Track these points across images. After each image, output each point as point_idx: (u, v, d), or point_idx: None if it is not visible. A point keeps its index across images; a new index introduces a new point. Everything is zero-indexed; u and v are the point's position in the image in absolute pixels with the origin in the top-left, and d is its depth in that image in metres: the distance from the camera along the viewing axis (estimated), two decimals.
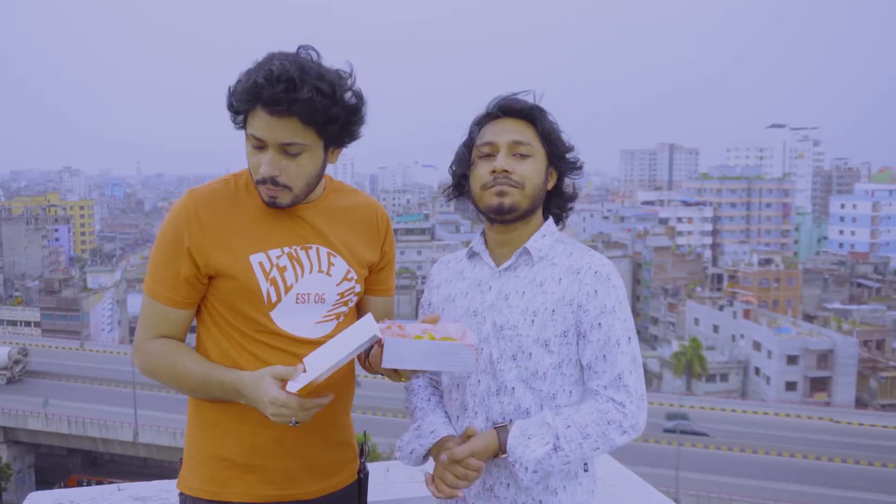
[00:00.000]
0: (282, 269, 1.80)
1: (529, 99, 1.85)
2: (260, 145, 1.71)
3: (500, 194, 1.76)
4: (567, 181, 1.90)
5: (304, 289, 1.82)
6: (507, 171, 1.76)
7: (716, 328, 57.93)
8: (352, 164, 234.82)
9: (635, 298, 74.43)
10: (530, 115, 1.81)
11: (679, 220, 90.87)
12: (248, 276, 1.77)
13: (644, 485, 2.79)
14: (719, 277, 72.73)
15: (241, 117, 1.74)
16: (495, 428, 1.71)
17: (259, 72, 1.65)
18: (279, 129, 1.67)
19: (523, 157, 1.78)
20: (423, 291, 2.02)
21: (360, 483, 1.96)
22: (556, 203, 1.90)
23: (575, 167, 1.87)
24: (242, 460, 1.79)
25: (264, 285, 1.78)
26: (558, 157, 1.83)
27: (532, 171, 1.78)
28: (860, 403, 49.72)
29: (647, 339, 69.66)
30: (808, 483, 35.75)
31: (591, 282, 1.73)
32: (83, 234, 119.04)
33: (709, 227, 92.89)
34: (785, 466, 37.85)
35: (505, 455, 1.69)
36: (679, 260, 73.20)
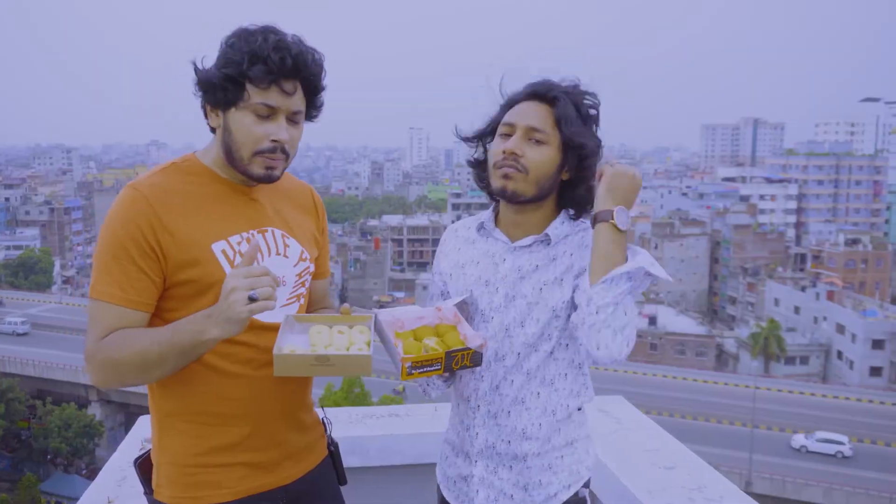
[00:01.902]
0: None
1: (573, 82, 1.82)
2: (270, 113, 1.68)
3: (505, 177, 1.78)
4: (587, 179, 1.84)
5: None
6: (515, 154, 1.76)
7: (797, 310, 56.09)
8: (427, 138, 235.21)
9: (713, 277, 72.65)
10: (552, 98, 1.78)
11: (762, 197, 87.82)
12: (214, 267, 1.68)
13: (659, 430, 2.94)
14: (802, 257, 70.25)
15: (228, 92, 1.67)
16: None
17: (267, 47, 1.64)
18: (291, 96, 1.69)
19: (538, 143, 1.77)
20: None
21: (333, 456, 1.98)
22: (568, 197, 1.87)
23: (582, 161, 1.80)
24: (221, 460, 1.74)
25: None
26: (569, 147, 1.78)
27: (541, 158, 1.77)
28: None
29: (725, 319, 68.05)
30: (890, 471, 34.57)
31: None
32: None
33: (793, 205, 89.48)
34: (866, 453, 36.66)
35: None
36: (760, 239, 70.93)
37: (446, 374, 1.82)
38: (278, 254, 1.80)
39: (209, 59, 1.71)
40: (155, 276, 1.66)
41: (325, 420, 1.99)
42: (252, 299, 1.50)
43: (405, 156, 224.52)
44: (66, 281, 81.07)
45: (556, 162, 1.79)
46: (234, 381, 1.73)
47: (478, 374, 1.86)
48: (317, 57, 1.71)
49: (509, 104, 1.86)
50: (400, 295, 64.82)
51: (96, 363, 1.63)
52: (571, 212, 1.88)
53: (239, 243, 1.73)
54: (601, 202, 1.71)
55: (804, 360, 51.94)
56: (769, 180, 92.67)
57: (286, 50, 1.65)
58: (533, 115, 1.78)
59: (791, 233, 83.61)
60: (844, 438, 36.07)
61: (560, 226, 1.85)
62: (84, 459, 40.67)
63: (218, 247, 1.70)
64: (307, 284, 1.91)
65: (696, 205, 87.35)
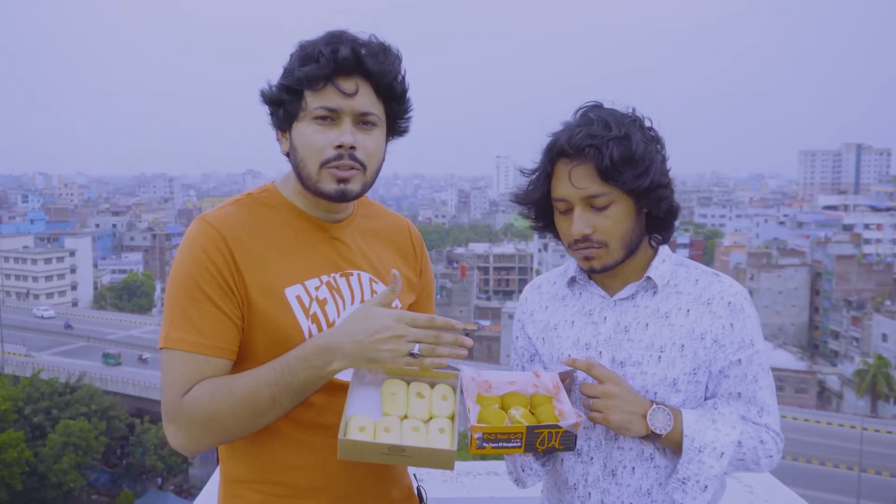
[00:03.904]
0: (322, 303, 1.51)
1: (607, 118, 1.51)
2: (331, 116, 1.46)
3: (587, 259, 1.56)
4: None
5: None
6: (585, 234, 1.52)
7: None
8: (513, 166, 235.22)
9: (814, 310, 69.33)
10: (582, 151, 1.49)
11: (866, 226, 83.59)
12: (286, 315, 1.47)
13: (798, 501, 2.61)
14: None
15: (287, 104, 1.48)
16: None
17: (319, 43, 1.46)
18: (352, 96, 1.46)
19: (600, 209, 1.51)
20: None
21: None
22: (656, 227, 1.61)
23: (653, 191, 1.52)
24: (305, 483, 1.52)
25: (305, 323, 1.48)
26: (636, 195, 1.52)
27: (613, 224, 1.51)
28: None
29: (827, 355, 64.69)
30: None
31: (725, 314, 1.55)
32: None
33: None
34: None
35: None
36: (865, 270, 67.28)
37: (541, 456, 1.61)
38: (363, 302, 1.56)
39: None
40: (236, 318, 1.45)
41: (422, 490, 1.74)
42: (413, 355, 1.35)
43: (492, 184, 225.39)
44: None
45: (630, 215, 1.54)
46: (309, 449, 1.52)
47: (586, 456, 1.60)
48: (389, 53, 1.49)
49: (550, 157, 1.57)
50: (485, 322, 64.56)
51: (185, 421, 1.38)
52: (668, 249, 1.65)
53: (317, 288, 1.52)
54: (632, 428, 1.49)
55: None
56: (875, 209, 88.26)
57: (339, 42, 1.44)
58: (578, 180, 1.50)
59: None
60: None
61: (661, 265, 1.60)
62: (178, 477, 41.93)
63: (292, 292, 1.49)
64: None
65: (795, 234, 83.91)
